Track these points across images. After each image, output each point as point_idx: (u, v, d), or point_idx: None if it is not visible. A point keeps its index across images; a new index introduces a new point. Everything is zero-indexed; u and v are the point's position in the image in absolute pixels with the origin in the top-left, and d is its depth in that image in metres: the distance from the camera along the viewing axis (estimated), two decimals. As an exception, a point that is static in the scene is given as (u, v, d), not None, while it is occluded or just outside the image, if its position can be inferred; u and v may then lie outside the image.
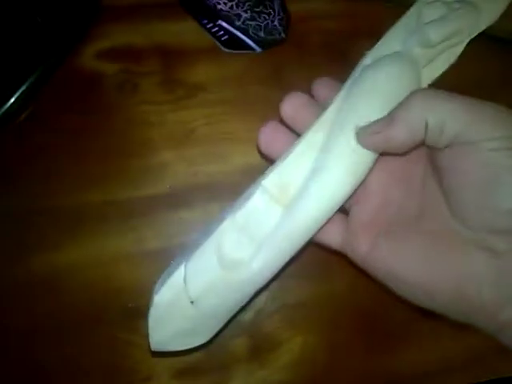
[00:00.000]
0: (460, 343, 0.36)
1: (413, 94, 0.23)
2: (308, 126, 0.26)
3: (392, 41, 0.27)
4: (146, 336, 0.33)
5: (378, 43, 0.28)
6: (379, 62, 0.26)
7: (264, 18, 0.36)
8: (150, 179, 0.36)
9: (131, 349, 0.33)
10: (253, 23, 0.36)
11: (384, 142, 0.23)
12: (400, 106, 0.23)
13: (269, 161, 0.29)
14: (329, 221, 0.26)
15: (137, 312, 0.34)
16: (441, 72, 0.27)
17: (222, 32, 0.37)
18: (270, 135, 0.29)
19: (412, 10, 0.28)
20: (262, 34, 0.36)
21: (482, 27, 0.27)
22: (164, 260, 0.34)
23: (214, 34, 0.38)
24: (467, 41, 0.27)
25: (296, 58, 0.39)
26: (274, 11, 0.36)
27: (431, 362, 0.35)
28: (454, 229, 0.23)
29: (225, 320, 0.26)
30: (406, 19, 0.28)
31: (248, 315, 0.35)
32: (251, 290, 0.26)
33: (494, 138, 0.21)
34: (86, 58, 0.38)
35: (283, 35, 0.37)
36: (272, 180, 0.26)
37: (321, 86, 0.29)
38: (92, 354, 0.33)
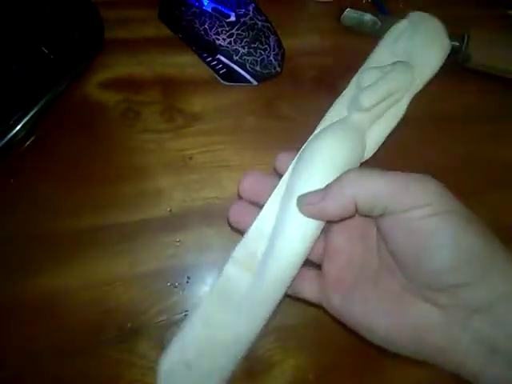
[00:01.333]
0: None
1: (346, 172, 0.26)
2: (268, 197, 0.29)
3: (339, 107, 0.30)
4: (143, 356, 0.34)
5: (328, 111, 0.31)
6: (324, 130, 0.29)
7: (260, 53, 0.38)
8: (148, 203, 0.37)
9: (128, 369, 0.34)
10: (250, 58, 0.38)
11: (318, 213, 0.26)
12: (334, 182, 0.26)
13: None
14: (305, 277, 0.29)
15: (133, 332, 0.34)
16: (390, 129, 0.30)
17: (221, 65, 0.39)
18: (238, 210, 0.31)
19: (354, 78, 0.31)
20: (258, 68, 0.39)
21: (419, 83, 0.30)
22: (159, 281, 0.36)
23: (212, 67, 0.40)
24: (410, 96, 0.30)
25: (289, 90, 0.42)
26: (270, 47, 0.39)
27: (421, 380, 0.36)
28: (404, 285, 0.25)
29: (221, 379, 0.28)
30: (350, 86, 0.31)
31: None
32: (239, 349, 0.28)
33: (417, 207, 0.23)
34: (90, 88, 0.40)
35: (278, 69, 0.39)
36: (239, 250, 0.29)
37: (281, 161, 0.31)
38: (88, 376, 0.34)
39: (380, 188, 0.24)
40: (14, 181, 0.36)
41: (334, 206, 0.25)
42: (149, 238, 0.37)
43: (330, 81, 0.43)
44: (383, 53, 0.31)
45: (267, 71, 0.39)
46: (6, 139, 0.36)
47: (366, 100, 0.28)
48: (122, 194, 0.37)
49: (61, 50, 0.38)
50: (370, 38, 0.45)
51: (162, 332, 0.35)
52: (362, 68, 0.31)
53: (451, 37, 0.45)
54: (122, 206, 0.37)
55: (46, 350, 0.33)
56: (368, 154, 0.29)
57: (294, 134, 0.40)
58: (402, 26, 0.32)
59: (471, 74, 0.46)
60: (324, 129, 0.29)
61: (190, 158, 0.39)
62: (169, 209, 0.37)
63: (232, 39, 0.38)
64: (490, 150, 0.45)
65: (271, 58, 0.39)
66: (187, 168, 0.38)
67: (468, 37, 0.45)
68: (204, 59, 0.40)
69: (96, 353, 0.34)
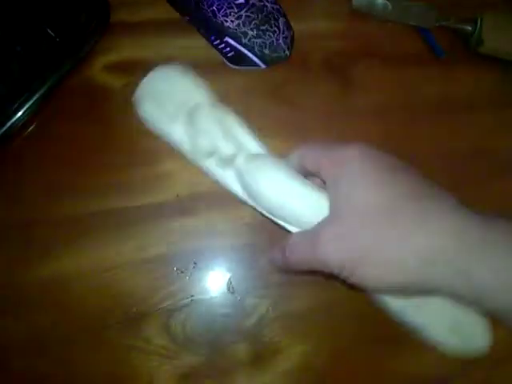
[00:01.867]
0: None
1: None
2: None
3: None
4: (148, 340, 0.34)
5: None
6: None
7: (269, 36, 0.37)
8: (155, 188, 0.37)
9: (133, 354, 0.34)
10: (258, 41, 0.37)
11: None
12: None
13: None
14: None
15: (138, 317, 0.34)
16: None
17: (229, 48, 0.38)
18: None
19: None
20: (267, 51, 0.38)
21: None
22: (165, 266, 0.35)
23: (220, 51, 0.39)
24: None
25: (298, 75, 0.41)
26: (279, 30, 0.38)
27: (432, 366, 0.36)
28: None
29: None
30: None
31: (249, 322, 0.35)
32: None
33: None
34: (95, 71, 0.39)
35: (287, 53, 0.39)
36: None
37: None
38: (94, 360, 0.34)
39: None
40: (17, 166, 0.36)
41: None
42: (156, 222, 0.36)
43: (340, 65, 0.42)
44: None
45: (276, 54, 0.38)
46: (9, 123, 0.35)
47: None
48: (129, 178, 0.37)
49: (66, 32, 0.38)
50: (381, 22, 0.44)
51: (167, 317, 0.35)
52: None
53: (464, 21, 0.45)
54: (128, 191, 0.37)
55: (52, 334, 0.34)
56: None
57: (302, 119, 0.40)
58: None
59: (483, 58, 0.45)
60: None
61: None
62: (176, 193, 0.37)
63: (240, 21, 0.37)
64: (501, 136, 0.44)
65: (280, 41, 0.38)
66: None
67: (481, 20, 0.44)
68: (212, 42, 0.39)
69: (101, 337, 0.34)
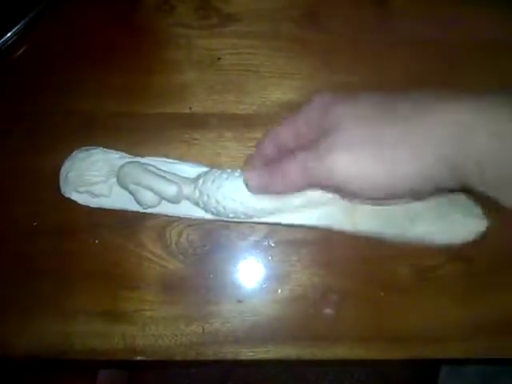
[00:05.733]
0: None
1: None
2: None
3: None
4: (142, 245, 0.34)
5: None
6: None
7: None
8: (170, 98, 0.37)
9: (124, 255, 0.34)
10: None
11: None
12: None
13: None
14: None
15: (135, 220, 0.34)
16: None
17: None
18: None
19: None
20: None
21: None
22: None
23: None
24: None
25: (333, 1, 0.39)
26: None
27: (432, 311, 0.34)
28: None
29: None
30: None
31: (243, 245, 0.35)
32: None
33: None
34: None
35: None
36: None
37: None
38: (87, 255, 0.34)
39: None
40: (38, 59, 0.37)
41: None
42: (167, 132, 0.36)
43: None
44: None
45: None
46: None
47: None
48: (147, 85, 0.37)
49: None
50: None
51: (163, 226, 0.34)
52: None
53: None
54: (144, 97, 0.37)
55: (46, 226, 0.34)
56: None
57: (330, 47, 0.38)
58: None
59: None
60: None
61: (219, 59, 0.37)
62: (190, 106, 0.36)
63: None
64: None
65: None
66: (214, 68, 0.37)
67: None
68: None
69: (97, 233, 0.34)
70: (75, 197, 0.34)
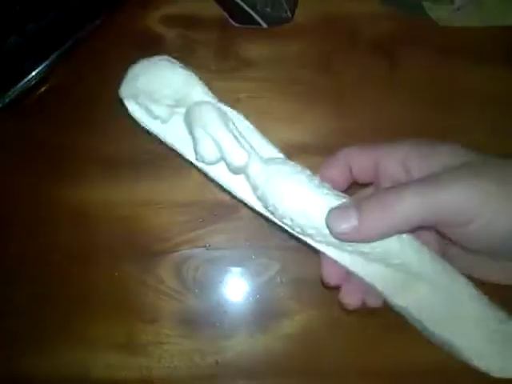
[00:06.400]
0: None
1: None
2: None
3: None
4: (160, 280, 0.35)
5: None
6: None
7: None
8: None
9: (143, 289, 0.35)
10: (262, -1, 0.38)
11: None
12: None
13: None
14: None
15: (156, 255, 0.36)
16: None
17: (233, 5, 0.39)
18: None
19: None
20: (268, 9, 0.38)
21: None
22: (190, 212, 0.37)
23: (224, 7, 0.40)
24: None
25: (347, 49, 0.41)
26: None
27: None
28: None
29: None
30: None
31: (260, 280, 0.36)
32: None
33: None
34: (151, 21, 0.41)
35: (289, 14, 0.39)
36: None
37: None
38: (106, 285, 0.35)
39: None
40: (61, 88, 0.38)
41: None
42: (186, 169, 0.37)
43: (389, 48, 0.42)
44: None
45: (277, 14, 0.39)
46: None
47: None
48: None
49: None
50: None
51: (181, 261, 0.36)
52: None
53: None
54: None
55: (69, 257, 0.36)
56: None
57: (344, 92, 0.40)
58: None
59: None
60: None
61: (238, 100, 0.39)
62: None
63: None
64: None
65: (282, 1, 0.38)
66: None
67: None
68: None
69: (116, 267, 0.36)
70: (130, 105, 0.27)
